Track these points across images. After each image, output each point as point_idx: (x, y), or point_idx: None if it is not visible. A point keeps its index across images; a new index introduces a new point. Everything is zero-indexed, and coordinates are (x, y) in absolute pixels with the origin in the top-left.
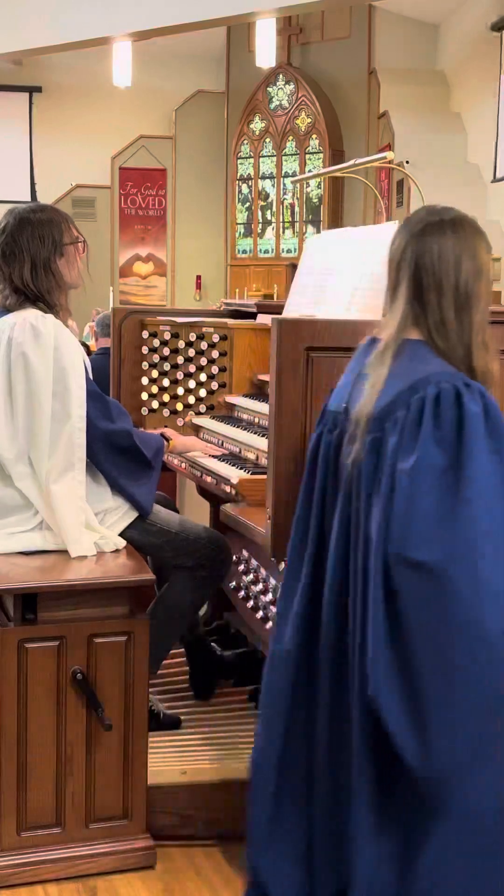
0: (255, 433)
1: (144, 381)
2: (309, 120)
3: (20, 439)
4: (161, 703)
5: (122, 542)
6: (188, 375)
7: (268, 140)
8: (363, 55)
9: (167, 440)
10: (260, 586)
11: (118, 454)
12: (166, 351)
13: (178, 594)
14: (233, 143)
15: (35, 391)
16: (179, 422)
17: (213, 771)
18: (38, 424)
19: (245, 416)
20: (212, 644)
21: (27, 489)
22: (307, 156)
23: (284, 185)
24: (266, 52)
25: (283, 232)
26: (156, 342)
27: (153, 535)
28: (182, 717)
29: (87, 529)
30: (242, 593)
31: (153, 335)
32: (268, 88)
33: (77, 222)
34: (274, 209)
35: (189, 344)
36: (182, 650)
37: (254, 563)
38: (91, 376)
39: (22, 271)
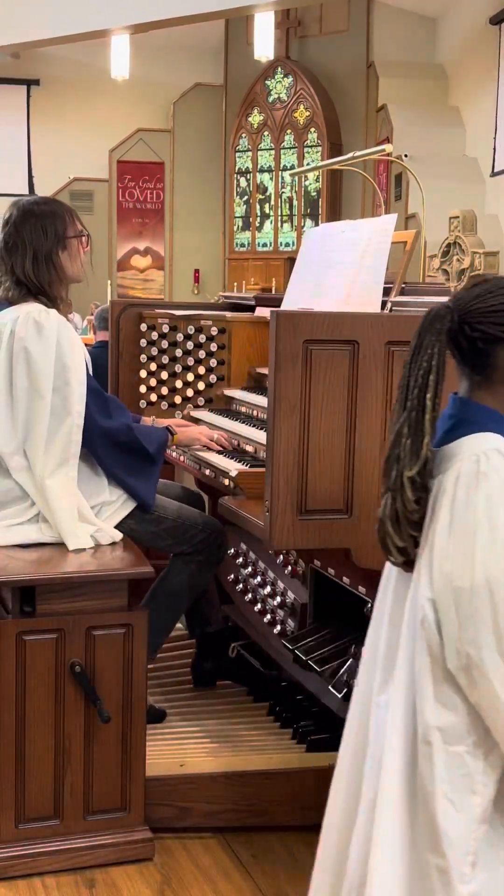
0: (253, 426)
1: (143, 374)
2: (307, 113)
3: (19, 432)
4: (150, 695)
5: (118, 535)
6: (186, 368)
7: (266, 133)
8: (362, 48)
9: (172, 434)
10: (258, 579)
11: (117, 449)
12: (164, 344)
13: (175, 580)
14: (231, 137)
15: (36, 386)
16: (178, 415)
17: (211, 763)
18: (37, 419)
19: (243, 409)
20: (231, 644)
21: (25, 482)
22: (305, 149)
23: (283, 178)
24: (264, 45)
25: (282, 225)
26: (154, 335)
27: (151, 523)
28: (181, 709)
29: (84, 522)
30: (241, 586)
31: (151, 328)
32: (266, 82)
33: (79, 216)
34: (272, 203)
35: (187, 337)
36: (179, 640)
37: (252, 555)
38: (91, 372)
39: (24, 263)
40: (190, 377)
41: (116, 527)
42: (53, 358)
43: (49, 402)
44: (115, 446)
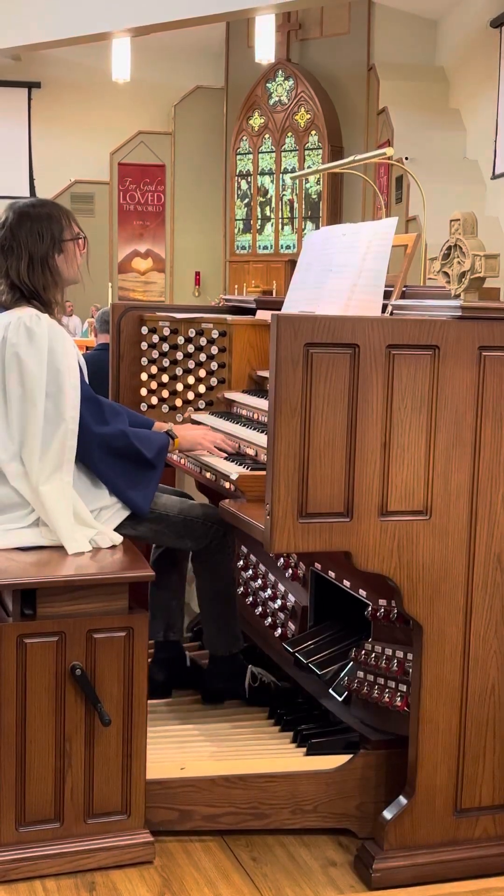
0: (254, 429)
1: (143, 377)
2: (308, 116)
3: (15, 439)
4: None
5: (118, 538)
6: (187, 371)
7: (267, 136)
8: (362, 51)
9: (173, 438)
10: (259, 582)
11: (114, 456)
12: (165, 347)
13: (210, 584)
14: (232, 139)
15: (29, 392)
16: (178, 418)
17: (212, 766)
18: (32, 425)
19: (244, 412)
20: (186, 653)
21: (22, 488)
22: (306, 152)
23: (283, 181)
24: (265, 47)
25: (282, 228)
26: (155, 338)
27: (152, 521)
28: (181, 712)
29: (83, 526)
30: (241, 589)
31: (152, 331)
32: (267, 84)
33: (76, 218)
34: (273, 205)
35: (188, 340)
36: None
37: (253, 558)
38: (87, 376)
39: (19, 267)
40: (191, 380)
41: (117, 528)
42: (46, 364)
43: (42, 408)
44: (110, 453)
